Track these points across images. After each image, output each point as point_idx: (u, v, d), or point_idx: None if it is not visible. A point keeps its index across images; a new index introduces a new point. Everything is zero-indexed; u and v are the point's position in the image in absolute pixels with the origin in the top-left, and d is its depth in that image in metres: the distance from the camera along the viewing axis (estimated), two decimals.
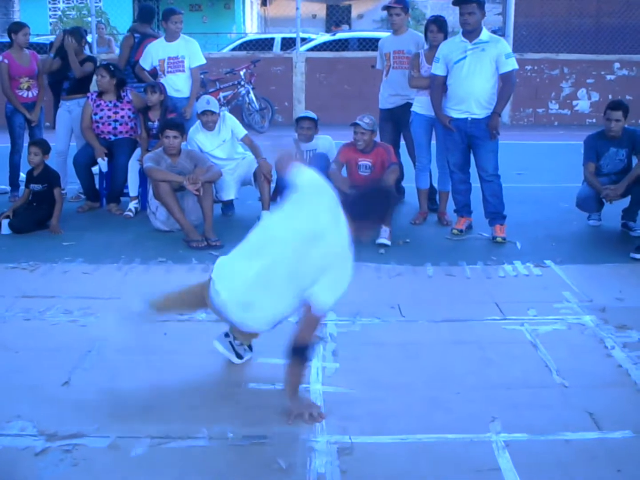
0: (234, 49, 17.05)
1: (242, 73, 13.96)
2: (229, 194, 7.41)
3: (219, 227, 6.97)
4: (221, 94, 13.82)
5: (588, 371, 4.26)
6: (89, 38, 14.37)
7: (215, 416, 3.71)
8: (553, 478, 3.26)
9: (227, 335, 4.29)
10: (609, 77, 14.92)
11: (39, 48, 10.23)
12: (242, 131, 7.42)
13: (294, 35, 15.11)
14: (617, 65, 14.85)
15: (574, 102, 15.12)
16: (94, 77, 8.03)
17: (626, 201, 7.03)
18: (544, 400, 3.93)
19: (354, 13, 32.51)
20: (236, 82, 14.03)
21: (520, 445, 3.49)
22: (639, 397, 3.94)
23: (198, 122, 7.36)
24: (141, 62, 8.31)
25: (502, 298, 5.33)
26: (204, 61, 8.51)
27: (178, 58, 8.18)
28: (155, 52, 8.20)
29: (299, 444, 3.47)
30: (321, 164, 7.01)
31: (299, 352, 3.69)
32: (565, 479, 3.25)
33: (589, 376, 4.20)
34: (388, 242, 6.55)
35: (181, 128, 6.99)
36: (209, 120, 7.21)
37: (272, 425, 3.63)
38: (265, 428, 3.60)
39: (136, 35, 8.80)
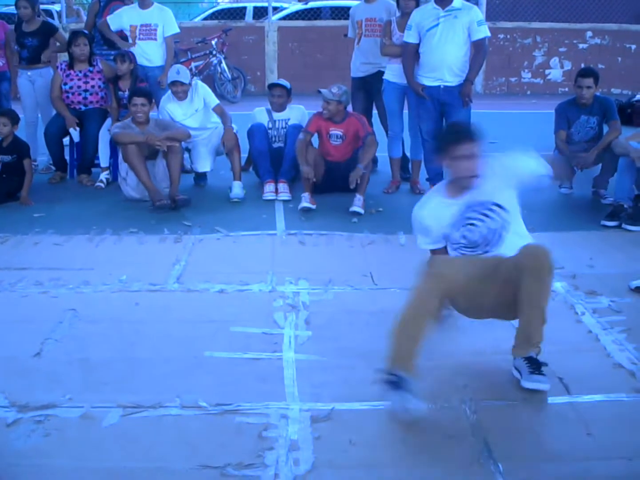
0: (205, 18, 16.89)
1: (213, 42, 13.86)
2: (205, 165, 7.36)
3: (190, 196, 6.94)
4: (193, 64, 13.73)
5: (558, 337, 4.27)
6: (56, 7, 14.23)
7: (187, 385, 3.71)
8: (525, 442, 3.29)
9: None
10: (581, 45, 14.96)
11: (7, 18, 10.05)
12: (214, 100, 7.36)
13: (265, 4, 15.00)
14: (589, 34, 14.89)
15: (547, 71, 15.16)
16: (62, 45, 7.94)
17: (597, 169, 7.06)
18: (511, 365, 3.94)
19: None
20: (208, 52, 13.92)
21: (491, 410, 3.52)
22: (608, 361, 3.97)
23: (169, 91, 7.29)
24: (109, 19, 8.18)
25: None
26: (178, 30, 8.44)
27: (151, 26, 8.09)
28: (127, 17, 8.11)
29: (272, 411, 3.47)
30: (297, 135, 7.01)
31: None
32: (537, 442, 3.29)
33: (559, 342, 4.21)
34: (361, 211, 6.55)
35: (149, 96, 6.94)
36: (179, 91, 7.15)
37: (245, 393, 3.63)
38: (238, 396, 3.59)
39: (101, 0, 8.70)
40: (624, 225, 6.10)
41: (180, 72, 7.17)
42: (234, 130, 7.26)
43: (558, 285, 5.00)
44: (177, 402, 3.54)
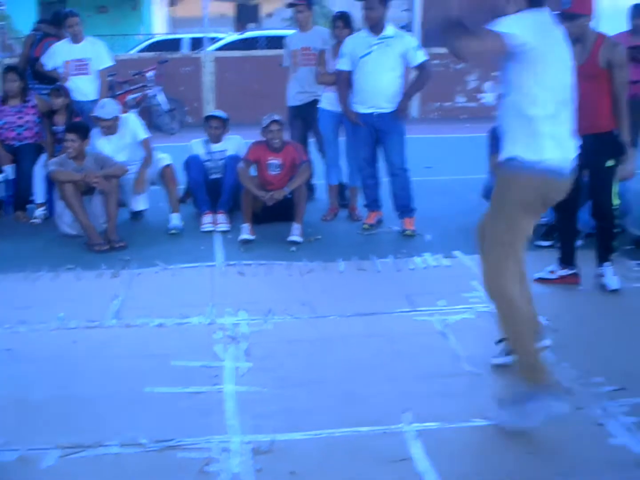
0: (141, 50, 16.86)
1: (149, 74, 13.80)
2: (140, 203, 7.30)
3: (127, 230, 6.93)
4: (129, 96, 13.64)
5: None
6: None
7: (127, 422, 3.67)
8: (465, 464, 3.32)
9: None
10: None
11: None
12: (142, 134, 7.30)
13: (202, 35, 15.02)
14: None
15: (480, 95, 15.40)
16: None
17: None
18: (455, 388, 4.00)
19: (263, 12, 32.47)
20: (144, 84, 13.85)
21: (432, 433, 3.54)
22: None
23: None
24: (43, 60, 8.17)
25: (412, 290, 5.40)
26: (111, 63, 8.42)
27: (83, 60, 8.08)
28: (60, 53, 8.10)
29: (213, 445, 3.46)
30: (235, 166, 7.02)
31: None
32: (477, 464, 3.32)
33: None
34: (300, 240, 6.57)
35: (81, 131, 6.85)
36: (103, 126, 7.10)
37: (186, 428, 3.61)
38: (179, 431, 3.57)
39: (38, 33, 8.64)
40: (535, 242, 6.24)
41: (104, 107, 7.12)
42: (170, 163, 7.24)
43: None
44: (117, 440, 3.49)
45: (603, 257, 5.37)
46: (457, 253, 6.22)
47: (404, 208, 6.91)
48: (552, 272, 5.48)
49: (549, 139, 3.53)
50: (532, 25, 3.46)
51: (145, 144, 7.27)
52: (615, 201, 5.29)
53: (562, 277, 5.45)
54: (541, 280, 5.38)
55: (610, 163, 5.21)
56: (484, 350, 4.39)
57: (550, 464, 3.32)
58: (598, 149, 5.10)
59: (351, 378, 4.11)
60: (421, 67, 6.71)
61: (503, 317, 3.69)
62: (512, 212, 3.58)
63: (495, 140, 7.21)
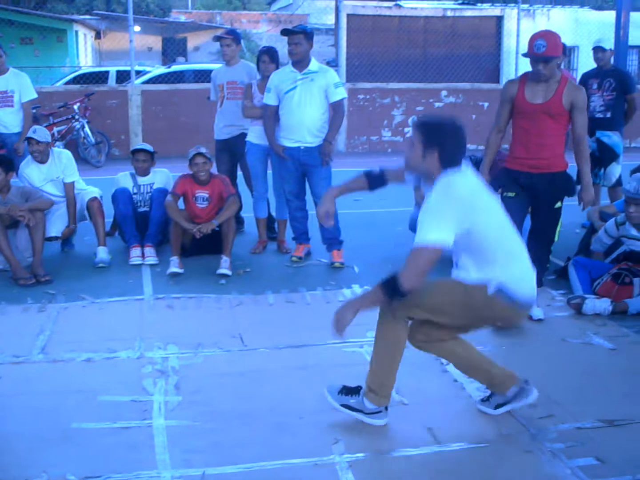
0: (67, 83, 16.70)
1: (76, 107, 13.69)
2: (51, 230, 7.15)
3: (53, 263, 6.84)
4: (55, 129, 13.50)
5: (426, 387, 4.41)
6: None
7: (54, 459, 3.61)
8: None
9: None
10: (437, 104, 15.58)
11: None
12: (70, 177, 7.16)
13: (128, 68, 14.96)
14: (444, 93, 15.53)
15: (406, 130, 15.65)
16: None
17: None
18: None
19: (190, 45, 32.46)
20: (70, 116, 13.73)
21: (363, 464, 3.57)
22: (474, 409, 4.10)
23: (30, 156, 7.14)
24: None
25: None
26: (35, 95, 8.34)
27: (7, 92, 7.99)
28: None
29: None
30: (163, 199, 7.01)
31: (391, 285, 3.60)
32: None
33: (426, 392, 4.35)
34: (229, 272, 6.57)
35: (5, 164, 6.73)
36: (34, 150, 6.99)
37: (114, 463, 3.56)
38: (107, 467, 3.52)
39: None
40: None
41: (36, 131, 7.04)
42: (97, 196, 7.19)
43: None
44: (45, 478, 3.43)
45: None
46: None
47: (332, 241, 6.97)
48: None
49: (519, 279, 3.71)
50: (458, 210, 3.52)
51: (68, 187, 7.16)
52: (556, 238, 5.51)
53: None
54: None
55: (559, 204, 5.36)
56: (412, 380, 4.44)
57: None
58: (551, 190, 5.30)
59: (282, 410, 4.11)
60: (336, 105, 6.79)
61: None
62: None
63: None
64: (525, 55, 5.19)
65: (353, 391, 3.99)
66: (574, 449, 3.68)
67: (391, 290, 3.58)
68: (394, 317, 3.81)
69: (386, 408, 3.93)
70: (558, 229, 5.61)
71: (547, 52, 5.05)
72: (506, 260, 3.67)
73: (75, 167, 7.29)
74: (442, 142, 3.62)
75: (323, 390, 4.02)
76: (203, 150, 6.91)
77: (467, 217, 3.52)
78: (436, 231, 3.49)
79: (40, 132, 7.06)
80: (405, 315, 3.82)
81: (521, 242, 3.82)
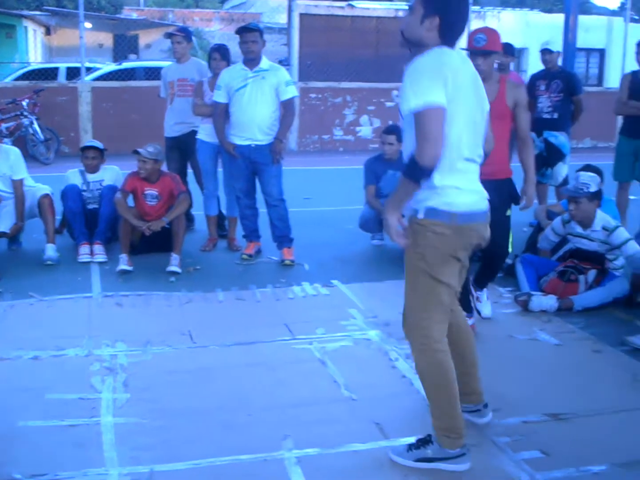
0: (16, 79, 16.45)
1: (24, 103, 13.50)
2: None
3: (2, 261, 6.79)
4: (3, 125, 13.31)
5: (374, 383, 4.44)
6: None
7: (1, 457, 3.57)
8: None
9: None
10: (388, 104, 15.65)
11: None
12: (18, 174, 7.04)
13: (79, 65, 14.80)
14: (395, 92, 15.61)
15: (357, 129, 15.75)
16: None
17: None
18: (334, 414, 4.05)
19: (142, 43, 32.22)
20: (19, 113, 13.53)
21: (312, 459, 3.58)
22: (422, 404, 4.13)
23: None
24: None
25: (291, 319, 5.46)
26: None
27: None
28: None
29: (90, 478, 3.40)
30: (112, 196, 6.96)
31: (412, 167, 3.22)
32: None
33: (375, 388, 4.38)
34: (178, 270, 6.55)
35: None
36: None
37: (62, 461, 3.53)
38: (55, 465, 3.49)
39: None
40: None
41: None
42: (48, 193, 7.10)
43: (372, 333, 5.18)
44: None
45: (483, 283, 5.46)
46: (335, 282, 6.33)
47: (283, 238, 6.98)
48: None
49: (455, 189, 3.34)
50: (445, 82, 3.21)
51: (17, 184, 7.05)
52: (510, 249, 5.46)
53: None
54: None
55: (509, 212, 5.23)
56: (361, 376, 4.49)
57: None
58: (499, 199, 4.77)
59: (231, 407, 4.11)
60: (287, 103, 6.79)
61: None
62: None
63: (370, 173, 7.42)
64: (464, 49, 5.09)
65: (426, 441, 3.58)
66: (519, 443, 3.74)
67: (414, 172, 3.22)
68: (415, 342, 3.53)
69: (468, 449, 3.54)
70: (510, 239, 5.52)
71: (486, 46, 4.96)
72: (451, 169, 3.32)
73: (23, 164, 7.19)
74: (445, 8, 3.31)
75: (390, 456, 3.61)
76: (151, 148, 6.87)
77: (450, 87, 3.22)
78: (429, 92, 3.16)
79: None
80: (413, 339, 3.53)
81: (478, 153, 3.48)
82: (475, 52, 4.96)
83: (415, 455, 3.54)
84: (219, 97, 6.79)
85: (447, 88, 3.20)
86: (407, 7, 3.62)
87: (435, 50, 3.31)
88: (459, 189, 3.33)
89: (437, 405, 3.51)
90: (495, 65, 5.63)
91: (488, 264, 5.39)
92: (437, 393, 3.49)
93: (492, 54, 5.01)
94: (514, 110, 5.16)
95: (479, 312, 5.44)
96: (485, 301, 5.50)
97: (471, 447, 3.56)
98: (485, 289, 5.50)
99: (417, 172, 3.20)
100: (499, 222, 4.76)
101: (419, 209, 3.36)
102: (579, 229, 5.96)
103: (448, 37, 3.35)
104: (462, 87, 3.29)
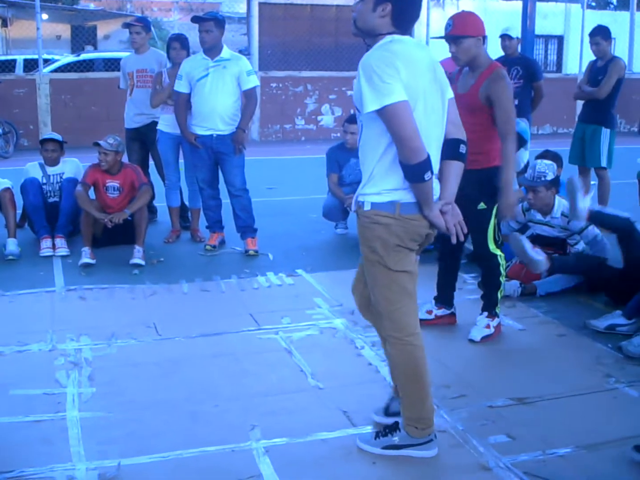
0: None
1: None
2: None
3: None
4: None
5: (341, 371, 4.46)
6: None
7: None
8: (314, 477, 3.37)
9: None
10: (349, 92, 15.62)
11: None
12: None
13: (36, 57, 14.63)
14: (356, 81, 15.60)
15: (319, 118, 15.75)
16: None
17: None
18: (301, 403, 4.06)
19: (100, 34, 31.88)
20: None
21: (280, 449, 3.58)
22: (389, 391, 4.15)
23: None
24: None
25: (256, 309, 5.45)
26: None
27: None
28: None
29: (57, 474, 3.37)
30: (73, 189, 6.89)
31: (406, 169, 3.18)
32: (324, 476, 3.38)
33: (342, 376, 4.39)
34: (142, 262, 6.51)
35: None
36: None
37: (28, 458, 3.50)
38: (20, 462, 3.45)
39: None
40: None
41: None
42: (9, 186, 7.02)
43: (338, 322, 5.19)
44: None
45: (484, 305, 5.07)
46: (299, 271, 6.34)
47: (246, 229, 6.96)
48: (428, 312, 5.24)
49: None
50: (398, 72, 3.15)
51: None
52: (496, 251, 4.92)
53: (438, 317, 5.25)
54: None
55: (482, 206, 4.79)
56: (327, 364, 4.50)
57: (396, 470, 3.43)
58: (467, 190, 4.32)
59: (198, 398, 4.10)
60: (249, 93, 6.76)
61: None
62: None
63: (332, 162, 7.43)
64: (440, 37, 4.96)
65: (393, 428, 3.59)
66: (485, 427, 3.77)
67: (411, 174, 3.17)
68: (385, 339, 3.57)
69: (435, 436, 3.56)
70: (490, 233, 4.89)
71: (452, 31, 4.66)
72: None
73: None
74: None
75: (358, 444, 3.60)
76: (111, 140, 6.82)
77: (403, 75, 3.15)
78: (388, 90, 3.11)
79: None
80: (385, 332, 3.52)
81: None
82: (445, 39, 4.72)
83: (382, 442, 3.55)
84: (180, 87, 6.74)
85: (401, 77, 3.15)
86: None
87: (385, 41, 3.27)
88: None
89: (407, 396, 3.52)
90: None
91: (477, 263, 5.23)
92: (407, 384, 3.50)
93: (461, 39, 4.64)
94: (490, 105, 4.70)
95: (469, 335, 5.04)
96: (481, 328, 5.00)
97: (438, 433, 3.59)
98: (485, 314, 5.03)
99: (414, 173, 3.17)
100: (471, 215, 4.41)
101: (364, 201, 3.37)
102: (539, 217, 6.01)
103: (401, 24, 3.29)
104: (417, 73, 3.24)
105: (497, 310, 5.03)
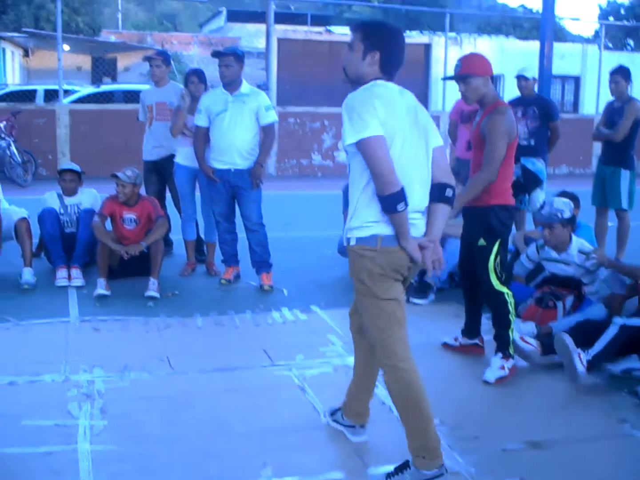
0: None
1: (2, 125, 13.47)
2: None
3: None
4: None
5: None
6: None
7: None
8: None
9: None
10: None
11: None
12: None
13: (57, 87, 14.79)
14: None
15: (335, 153, 15.79)
16: None
17: None
18: (313, 441, 4.04)
19: (120, 66, 32.23)
20: None
21: None
22: (401, 431, 4.10)
23: None
24: None
25: (270, 345, 5.44)
26: None
27: None
28: None
29: None
30: (90, 220, 6.93)
31: (384, 205, 3.37)
32: None
33: None
34: (157, 295, 6.51)
35: None
36: None
37: None
38: None
39: None
40: (410, 299, 6.38)
41: None
42: (25, 216, 7.06)
43: (351, 359, 5.07)
44: None
45: (497, 345, 5.02)
46: (314, 307, 6.33)
47: (262, 263, 6.97)
48: (455, 339, 5.46)
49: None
50: (375, 110, 3.37)
51: None
52: (501, 288, 4.94)
53: (463, 346, 5.41)
54: (446, 345, 5.49)
55: (482, 242, 4.90)
56: (340, 403, 4.46)
57: None
58: (467, 228, 5.07)
59: (210, 434, 4.08)
60: (267, 128, 6.81)
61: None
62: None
63: (347, 199, 7.42)
64: (450, 77, 5.06)
65: (403, 467, 3.58)
66: (498, 471, 3.73)
67: (387, 206, 3.36)
68: (383, 365, 3.63)
69: (446, 470, 3.53)
70: (491, 271, 4.93)
71: (460, 71, 4.87)
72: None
73: None
74: (385, 43, 3.52)
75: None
76: (129, 172, 6.86)
77: (381, 113, 3.36)
78: (365, 125, 3.32)
79: None
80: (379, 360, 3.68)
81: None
82: (454, 79, 4.98)
83: None
84: (200, 120, 6.79)
85: (378, 114, 3.36)
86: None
87: (369, 85, 3.50)
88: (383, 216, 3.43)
89: (409, 424, 3.56)
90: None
91: (478, 305, 5.34)
92: (407, 412, 3.55)
93: (468, 78, 4.83)
94: None
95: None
96: (496, 369, 4.94)
97: (450, 475, 3.55)
98: (500, 355, 4.97)
99: (387, 203, 3.35)
100: (474, 252, 4.99)
101: (351, 237, 3.55)
102: (553, 254, 5.99)
103: (389, 70, 3.55)
104: (396, 114, 3.44)
105: (511, 351, 4.99)
